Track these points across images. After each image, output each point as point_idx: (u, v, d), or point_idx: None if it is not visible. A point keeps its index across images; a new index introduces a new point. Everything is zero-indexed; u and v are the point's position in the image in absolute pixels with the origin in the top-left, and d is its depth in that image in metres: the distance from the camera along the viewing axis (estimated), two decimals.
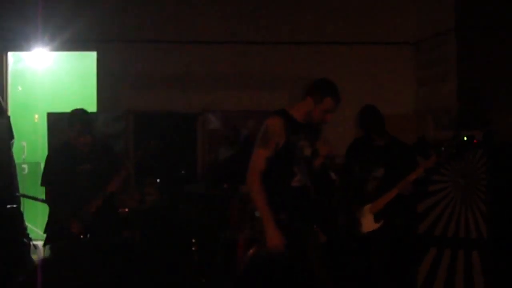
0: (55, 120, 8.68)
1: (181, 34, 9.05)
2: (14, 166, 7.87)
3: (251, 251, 6.51)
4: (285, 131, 4.87)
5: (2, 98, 8.60)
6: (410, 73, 9.27)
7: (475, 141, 6.49)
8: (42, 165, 9.76)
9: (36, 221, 9.13)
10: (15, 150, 8.06)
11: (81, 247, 5.75)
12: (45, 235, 5.98)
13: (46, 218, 6.10)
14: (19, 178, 7.98)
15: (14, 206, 7.50)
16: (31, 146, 10.27)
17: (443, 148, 5.93)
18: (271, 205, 4.78)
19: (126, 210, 7.23)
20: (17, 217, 7.47)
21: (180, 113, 9.10)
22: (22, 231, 7.49)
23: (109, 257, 5.92)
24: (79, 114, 6.00)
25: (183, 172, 7.88)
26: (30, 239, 7.60)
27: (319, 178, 4.84)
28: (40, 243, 7.37)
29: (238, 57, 9.11)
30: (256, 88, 9.14)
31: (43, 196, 6.39)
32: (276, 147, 4.85)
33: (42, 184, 6.11)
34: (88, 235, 5.83)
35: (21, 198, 7.75)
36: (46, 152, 8.51)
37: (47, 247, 5.90)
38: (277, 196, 4.85)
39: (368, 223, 6.10)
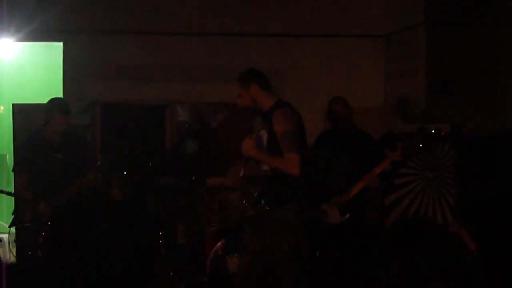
0: (21, 111, 8.58)
1: (149, 25, 8.95)
2: None
3: (218, 244, 6.49)
4: None
5: None
6: (379, 66, 9.28)
7: (442, 133, 6.49)
8: (8, 157, 9.68)
9: (1, 213, 9.02)
10: None
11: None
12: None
13: (11, 211, 6.14)
14: None
15: None
16: None
17: (409, 141, 5.91)
18: None
19: None
20: None
21: (148, 104, 9.02)
22: None
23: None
24: (60, 103, 6.05)
25: (150, 164, 7.81)
26: None
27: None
28: (5, 236, 7.27)
29: (207, 49, 9.04)
30: (224, 81, 9.07)
31: (7, 188, 6.34)
32: None
33: (13, 171, 6.19)
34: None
35: None
36: (11, 144, 8.44)
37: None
38: None
39: (335, 216, 6.08)
